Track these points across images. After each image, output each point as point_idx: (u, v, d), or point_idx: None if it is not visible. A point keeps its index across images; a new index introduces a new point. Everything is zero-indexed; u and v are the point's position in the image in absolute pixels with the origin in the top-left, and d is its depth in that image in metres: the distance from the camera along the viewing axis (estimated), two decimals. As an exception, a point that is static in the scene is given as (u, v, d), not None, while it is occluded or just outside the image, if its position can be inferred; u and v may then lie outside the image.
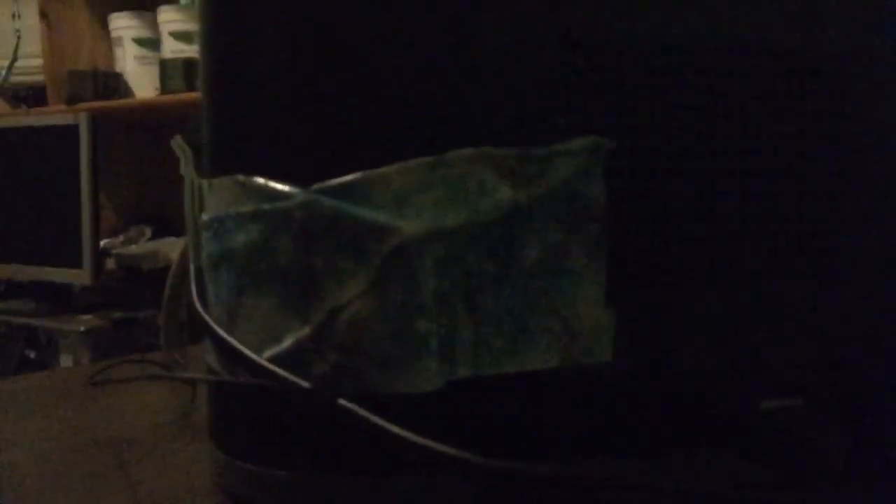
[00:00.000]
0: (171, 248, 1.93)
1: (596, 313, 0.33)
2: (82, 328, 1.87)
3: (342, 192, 0.32)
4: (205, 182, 0.37)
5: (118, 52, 2.07)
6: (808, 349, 0.37)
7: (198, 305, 0.38)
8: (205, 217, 0.37)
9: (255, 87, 0.34)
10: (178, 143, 0.41)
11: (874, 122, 0.37)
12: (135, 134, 2.23)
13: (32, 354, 2.01)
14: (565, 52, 0.32)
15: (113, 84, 2.02)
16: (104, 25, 2.11)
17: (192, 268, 0.39)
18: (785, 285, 0.36)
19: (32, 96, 2.21)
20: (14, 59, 2.18)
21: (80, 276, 1.90)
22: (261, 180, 0.33)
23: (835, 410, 0.37)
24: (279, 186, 0.33)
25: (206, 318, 0.37)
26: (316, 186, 0.32)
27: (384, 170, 0.31)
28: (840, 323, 0.37)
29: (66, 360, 1.95)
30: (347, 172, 0.32)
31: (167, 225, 2.12)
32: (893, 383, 0.38)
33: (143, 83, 2.03)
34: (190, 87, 1.86)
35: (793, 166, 0.36)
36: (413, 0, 0.32)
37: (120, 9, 2.07)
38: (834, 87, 0.36)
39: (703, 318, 0.35)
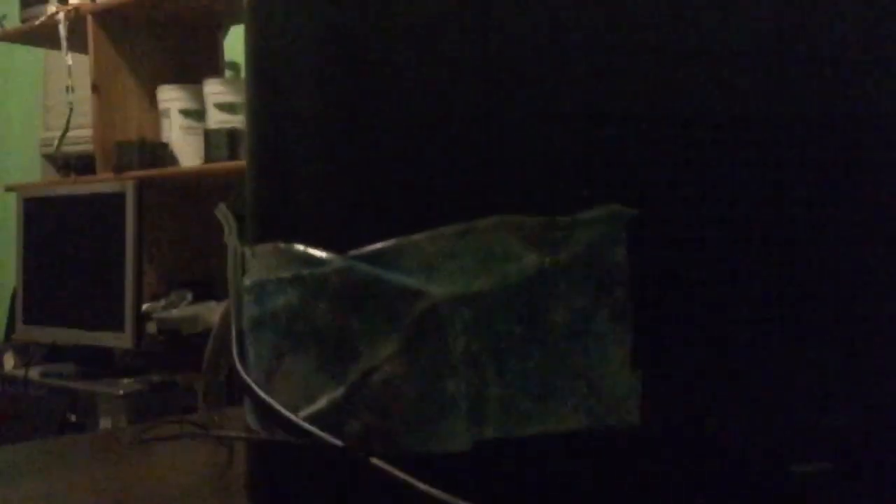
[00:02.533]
0: (211, 312, 1.96)
1: (622, 376, 0.33)
2: (122, 391, 1.89)
3: (376, 258, 0.33)
4: (247, 248, 0.39)
5: (165, 122, 2.15)
6: (842, 414, 0.36)
7: (238, 366, 0.39)
8: (247, 281, 0.38)
9: (296, 157, 0.36)
10: (222, 211, 0.43)
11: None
12: (179, 202, 2.29)
13: (73, 417, 2.03)
14: (587, 125, 0.34)
15: (159, 153, 2.09)
16: (152, 97, 2.19)
17: (233, 330, 0.41)
18: (820, 347, 0.36)
19: (81, 165, 2.29)
20: (66, 130, 2.27)
21: (121, 340, 1.94)
22: (300, 247, 0.35)
23: (868, 477, 0.37)
24: (317, 253, 0.34)
25: (246, 378, 0.38)
26: (351, 253, 0.34)
27: (415, 237, 0.33)
28: (873, 388, 0.37)
29: (105, 423, 1.97)
30: (381, 240, 0.33)
31: (208, 290, 2.16)
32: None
33: (188, 153, 2.09)
34: (233, 157, 1.92)
35: (823, 230, 0.36)
36: (442, 75, 0.33)
37: (167, 81, 2.16)
38: (863, 149, 0.36)
39: (733, 382, 0.35)
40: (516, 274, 0.33)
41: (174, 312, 2.04)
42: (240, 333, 0.40)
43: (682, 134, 0.34)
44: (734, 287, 0.35)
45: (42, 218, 2.11)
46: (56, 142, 2.29)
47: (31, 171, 2.77)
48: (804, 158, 0.36)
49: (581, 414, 0.33)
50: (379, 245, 0.33)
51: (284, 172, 0.36)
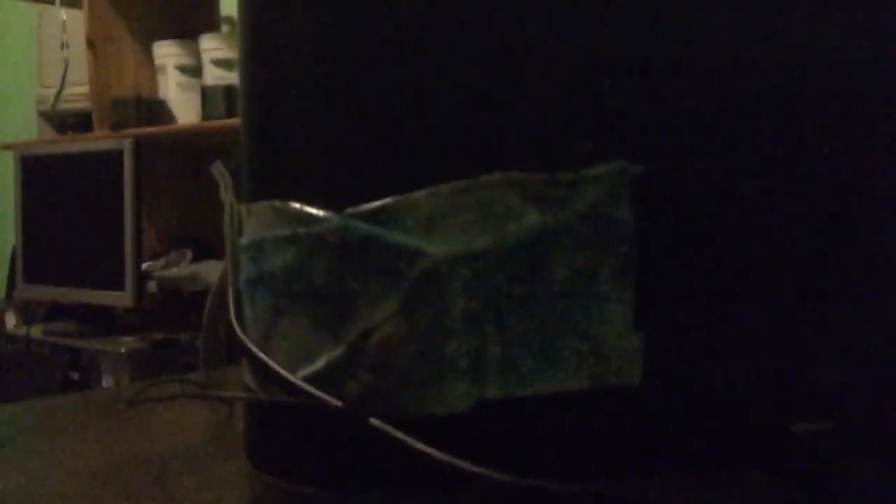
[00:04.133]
0: (211, 271, 1.96)
1: (624, 335, 0.33)
2: (123, 350, 1.90)
3: (374, 216, 0.33)
4: (243, 207, 0.38)
5: (161, 79, 2.12)
6: (844, 372, 0.36)
7: (236, 326, 0.39)
8: (243, 241, 0.38)
9: (291, 114, 0.35)
10: (217, 168, 0.42)
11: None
12: (177, 159, 2.27)
13: (75, 376, 2.05)
14: (592, 77, 0.33)
15: (156, 110, 2.07)
16: (148, 54, 2.16)
17: (230, 290, 0.40)
18: (821, 306, 0.36)
19: (79, 123, 2.27)
20: (62, 88, 2.24)
21: (121, 299, 1.94)
22: (296, 205, 0.34)
23: (869, 435, 0.37)
24: (314, 211, 0.34)
25: (244, 338, 0.38)
26: (349, 211, 0.33)
27: (414, 195, 0.32)
28: (877, 347, 0.37)
29: (107, 381, 1.99)
30: (379, 197, 0.32)
31: (207, 248, 2.16)
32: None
33: (185, 109, 2.07)
34: (231, 114, 1.90)
35: (827, 185, 0.35)
36: (445, 28, 0.32)
37: (164, 38, 2.13)
38: (872, 97, 0.36)
39: (734, 341, 0.35)
40: (517, 232, 0.32)
41: (174, 271, 2.05)
42: (237, 293, 0.40)
43: (688, 87, 0.33)
44: (736, 245, 0.34)
45: (40, 176, 2.10)
46: (52, 99, 2.27)
47: (27, 129, 2.75)
48: (810, 111, 0.35)
49: (582, 374, 0.33)
50: (377, 203, 0.33)
51: (280, 128, 0.36)
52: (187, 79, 2.07)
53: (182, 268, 2.07)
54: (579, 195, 0.32)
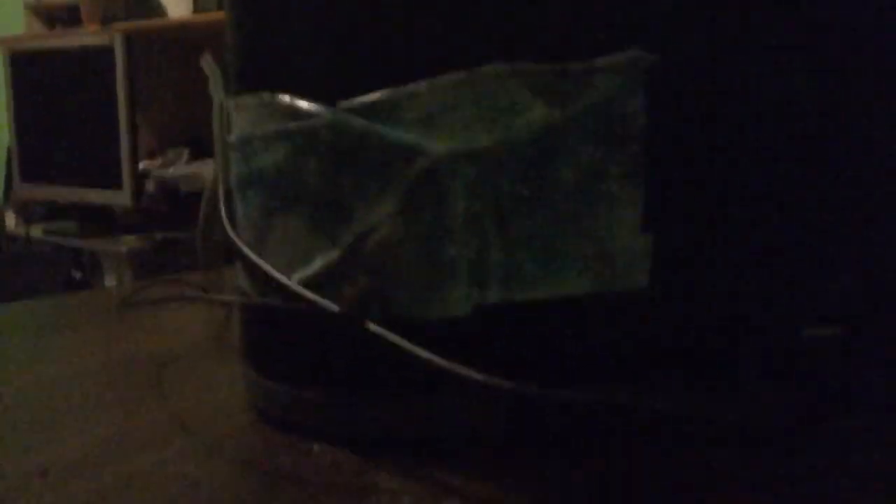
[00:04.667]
0: (209, 170, 1.94)
1: (631, 239, 0.32)
2: (124, 249, 1.90)
3: (369, 110, 0.31)
4: (231, 101, 0.36)
5: (151, -30, 2.04)
6: (851, 278, 0.35)
7: (228, 228, 0.38)
8: (232, 137, 0.36)
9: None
10: (207, 61, 0.40)
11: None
12: (170, 54, 2.22)
13: (78, 275, 2.06)
14: None
15: (147, 4, 2.00)
16: (137, -57, 2.07)
17: (221, 190, 0.39)
18: (828, 212, 0.35)
19: (67, 18, 2.21)
20: (48, -21, 2.16)
21: (120, 198, 1.93)
22: (286, 98, 0.32)
23: (878, 342, 0.36)
24: (305, 105, 0.32)
25: (236, 240, 0.37)
26: (342, 105, 0.31)
27: (412, 87, 0.30)
28: (884, 252, 0.36)
29: (109, 280, 2.00)
30: (375, 90, 0.31)
31: (204, 146, 2.13)
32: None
33: (176, 3, 2.00)
34: (222, 6, 1.83)
35: (834, 96, 0.34)
36: None
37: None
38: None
39: (742, 245, 0.34)
40: (523, 128, 0.30)
41: (171, 170, 2.03)
42: (228, 193, 0.38)
43: None
44: (748, 148, 0.33)
45: (31, 72, 2.05)
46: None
47: (14, 25, 2.67)
48: (835, 22, 0.32)
49: (587, 278, 0.32)
50: (373, 95, 0.31)
51: (268, 14, 0.33)
52: (177, -31, 1.99)
53: (179, 167, 2.05)
54: (590, 87, 0.30)
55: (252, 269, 0.35)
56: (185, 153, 2.10)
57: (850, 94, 0.34)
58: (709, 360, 0.34)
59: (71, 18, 2.17)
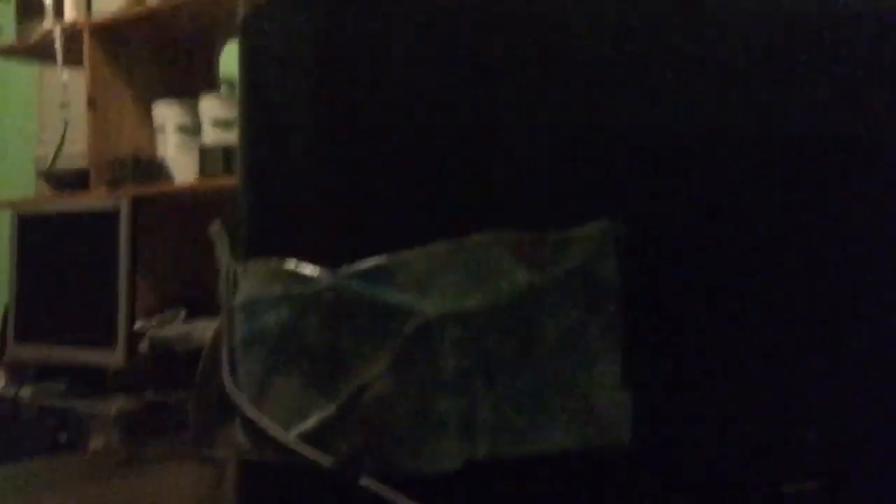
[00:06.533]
0: (204, 330, 1.95)
1: (613, 394, 0.33)
2: (114, 410, 1.87)
3: (367, 275, 0.33)
4: (238, 266, 0.38)
5: (160, 138, 2.14)
6: (833, 431, 0.36)
7: (229, 384, 0.39)
8: (238, 299, 0.38)
9: (287, 174, 0.36)
10: (216, 229, 0.43)
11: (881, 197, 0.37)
12: (174, 219, 2.28)
13: (64, 437, 2.02)
14: (580, 143, 0.33)
15: (154, 170, 2.09)
16: (147, 113, 2.19)
17: (224, 349, 0.41)
18: (805, 366, 0.36)
19: (76, 182, 2.29)
20: (61, 146, 2.26)
21: (112, 357, 1.92)
22: (291, 264, 0.35)
23: (856, 492, 0.36)
24: (308, 270, 0.34)
25: (237, 395, 0.38)
26: (342, 270, 0.33)
27: (407, 254, 0.33)
28: (866, 406, 0.37)
29: (96, 442, 1.96)
30: (373, 256, 0.33)
31: (201, 307, 2.15)
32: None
33: (183, 169, 2.09)
34: (228, 173, 1.91)
35: (810, 243, 0.36)
36: (431, 92, 0.33)
37: (163, 97, 2.16)
38: (846, 166, 0.36)
39: (722, 399, 0.35)
40: (507, 290, 0.32)
41: (167, 330, 2.03)
42: (231, 351, 0.40)
43: (672, 149, 0.34)
44: (721, 305, 0.35)
45: (36, 235, 2.10)
46: (50, 158, 2.28)
47: (25, 189, 2.76)
48: (790, 170, 0.35)
49: (572, 433, 0.33)
50: (370, 262, 0.33)
51: (275, 189, 0.36)
52: (186, 138, 2.09)
53: (175, 326, 2.05)
54: (567, 253, 0.33)
55: (250, 425, 0.36)
56: (182, 313, 2.11)
57: (814, 251, 0.36)
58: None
59: (79, 183, 2.25)
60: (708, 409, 0.35)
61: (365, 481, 0.32)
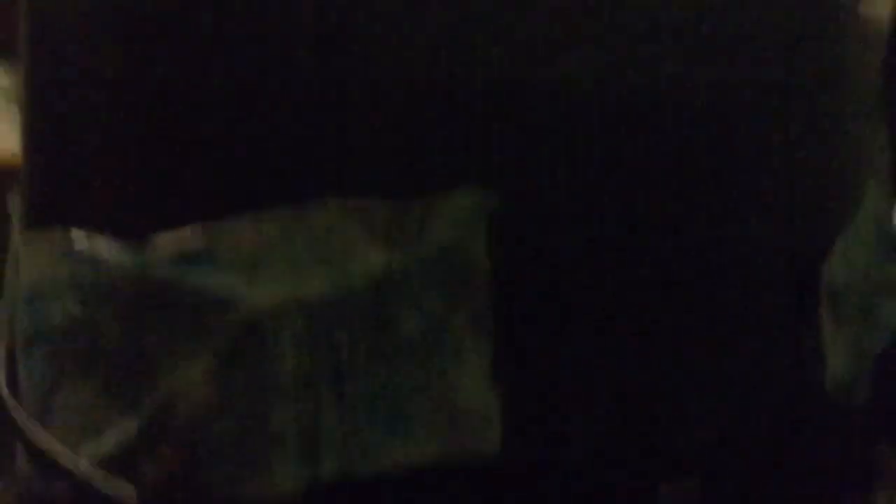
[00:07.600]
0: None
1: (481, 396, 0.31)
2: None
3: (179, 252, 0.29)
4: (19, 236, 0.33)
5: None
6: (710, 431, 0.36)
7: (6, 395, 0.34)
8: (21, 284, 0.33)
9: (80, 128, 0.31)
10: (13, 199, 0.37)
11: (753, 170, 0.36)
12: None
13: None
14: (449, 90, 0.30)
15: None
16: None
17: (2, 349, 0.35)
18: (683, 365, 0.35)
19: None
20: None
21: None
22: (81, 238, 0.30)
23: (733, 492, 0.36)
24: (103, 246, 0.29)
25: (15, 411, 0.33)
26: (148, 247, 0.29)
27: (231, 224, 0.28)
28: (743, 405, 0.37)
29: None
30: (186, 223, 0.28)
31: None
32: (792, 464, 0.38)
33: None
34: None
35: (685, 237, 0.35)
36: (263, 28, 0.29)
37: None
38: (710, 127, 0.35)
39: (597, 399, 0.34)
40: (359, 274, 0.29)
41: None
42: (11, 352, 0.34)
43: (554, 104, 0.31)
44: (599, 294, 0.33)
45: None
46: None
47: None
48: (663, 138, 0.33)
49: (436, 443, 0.30)
50: (184, 232, 0.28)
51: (63, 142, 0.31)
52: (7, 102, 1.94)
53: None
54: (432, 230, 0.30)
55: (32, 447, 0.32)
56: None
57: (703, 237, 0.35)
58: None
59: None
60: (582, 410, 0.33)
61: (178, 517, 0.27)
